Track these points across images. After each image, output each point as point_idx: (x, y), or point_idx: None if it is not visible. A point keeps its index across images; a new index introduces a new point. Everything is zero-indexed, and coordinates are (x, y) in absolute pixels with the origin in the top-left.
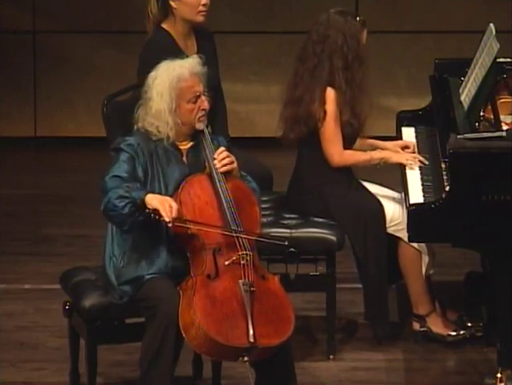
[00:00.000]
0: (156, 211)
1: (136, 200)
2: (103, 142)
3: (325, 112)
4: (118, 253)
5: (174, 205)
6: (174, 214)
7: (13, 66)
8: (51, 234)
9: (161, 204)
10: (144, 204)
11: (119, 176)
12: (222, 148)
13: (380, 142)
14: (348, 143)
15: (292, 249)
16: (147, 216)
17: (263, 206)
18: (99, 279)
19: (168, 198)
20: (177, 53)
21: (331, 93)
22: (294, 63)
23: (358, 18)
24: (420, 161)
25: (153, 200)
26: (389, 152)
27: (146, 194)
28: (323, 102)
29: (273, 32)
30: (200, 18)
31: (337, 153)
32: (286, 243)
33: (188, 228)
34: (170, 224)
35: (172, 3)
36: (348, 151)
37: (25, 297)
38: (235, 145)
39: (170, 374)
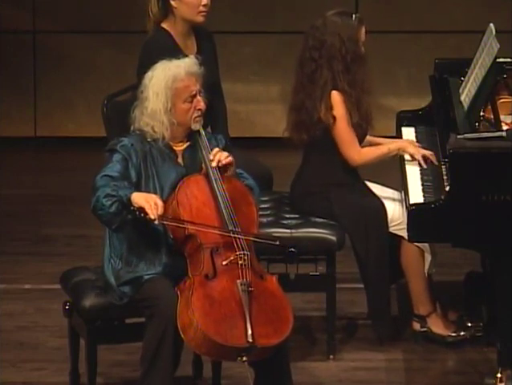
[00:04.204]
0: (141, 209)
1: (122, 199)
2: (103, 142)
3: (334, 117)
4: (116, 255)
5: (159, 203)
6: (160, 212)
7: (13, 66)
8: (51, 234)
9: (146, 202)
10: (130, 203)
11: (109, 176)
12: (216, 149)
13: (378, 138)
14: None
15: (292, 249)
16: (133, 214)
17: (263, 206)
18: (99, 279)
19: (153, 196)
20: (177, 53)
21: (337, 96)
22: (295, 68)
23: (354, 16)
24: (431, 161)
25: (139, 198)
26: (405, 142)
27: (132, 192)
28: (330, 107)
29: (273, 32)
30: (200, 19)
31: (356, 153)
32: (278, 242)
33: (185, 228)
34: (156, 222)
35: (172, 3)
36: (366, 149)
37: (25, 297)
38: (235, 145)
39: (170, 373)
